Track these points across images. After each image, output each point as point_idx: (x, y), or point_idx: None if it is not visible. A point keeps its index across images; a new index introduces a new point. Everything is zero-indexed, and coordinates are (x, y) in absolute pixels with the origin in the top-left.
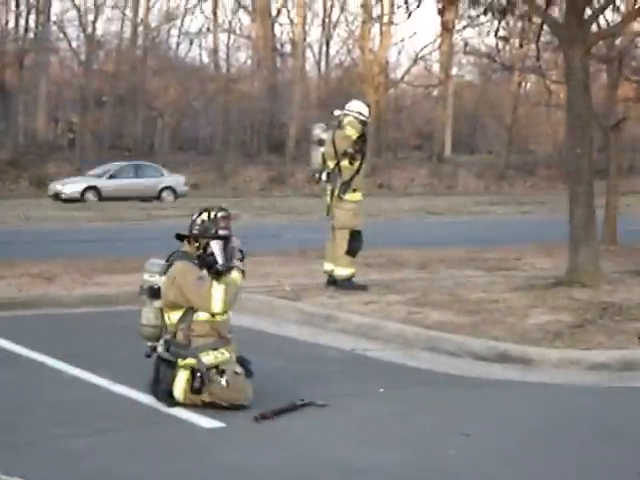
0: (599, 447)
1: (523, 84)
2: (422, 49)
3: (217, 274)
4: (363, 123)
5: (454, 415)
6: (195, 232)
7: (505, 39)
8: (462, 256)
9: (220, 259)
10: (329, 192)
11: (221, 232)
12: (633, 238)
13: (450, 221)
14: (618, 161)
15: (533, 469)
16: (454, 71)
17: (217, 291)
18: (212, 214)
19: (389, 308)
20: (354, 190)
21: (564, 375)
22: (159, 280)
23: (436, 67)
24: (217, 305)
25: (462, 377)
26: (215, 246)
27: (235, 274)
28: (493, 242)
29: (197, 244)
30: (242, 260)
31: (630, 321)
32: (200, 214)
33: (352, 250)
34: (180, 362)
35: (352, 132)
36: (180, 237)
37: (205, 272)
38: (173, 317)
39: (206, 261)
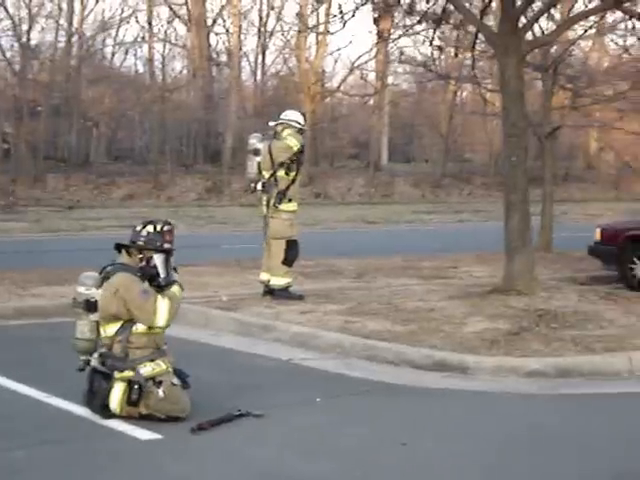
0: (535, 455)
1: (459, 93)
2: (358, 58)
3: (158, 287)
4: (301, 132)
5: (391, 424)
6: (140, 243)
7: (440, 48)
8: (399, 265)
9: (162, 272)
10: (265, 202)
11: (166, 245)
12: (569, 245)
13: (387, 230)
14: (553, 169)
15: (469, 478)
16: (390, 80)
17: (162, 305)
18: (158, 227)
19: (326, 317)
20: (290, 200)
21: (501, 383)
22: (95, 293)
23: (372, 76)
24: (162, 319)
25: (399, 386)
26: (158, 259)
27: (176, 288)
28: (430, 250)
29: (140, 256)
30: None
31: (566, 328)
32: (145, 226)
33: (288, 260)
34: (117, 374)
35: (294, 143)
36: (120, 247)
37: (147, 285)
38: (109, 330)
39: (148, 274)
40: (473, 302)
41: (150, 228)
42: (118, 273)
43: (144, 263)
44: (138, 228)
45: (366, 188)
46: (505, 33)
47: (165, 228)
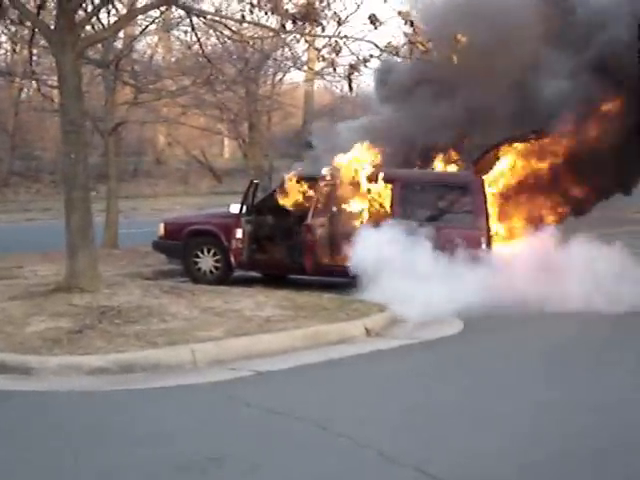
0: (91, 451)
1: (26, 89)
2: None
3: None
4: None
5: None
6: None
7: None
8: None
9: None
10: None
11: None
12: (137, 241)
13: None
14: (119, 165)
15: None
16: None
17: None
18: None
19: None
20: None
21: (64, 381)
22: None
23: None
24: None
25: None
26: None
27: None
28: None
29: None
30: None
31: (129, 324)
32: None
33: None
34: None
35: None
36: None
37: None
38: None
39: None
40: (36, 302)
41: None
42: None
43: None
44: None
45: None
46: (62, 29)
47: None
